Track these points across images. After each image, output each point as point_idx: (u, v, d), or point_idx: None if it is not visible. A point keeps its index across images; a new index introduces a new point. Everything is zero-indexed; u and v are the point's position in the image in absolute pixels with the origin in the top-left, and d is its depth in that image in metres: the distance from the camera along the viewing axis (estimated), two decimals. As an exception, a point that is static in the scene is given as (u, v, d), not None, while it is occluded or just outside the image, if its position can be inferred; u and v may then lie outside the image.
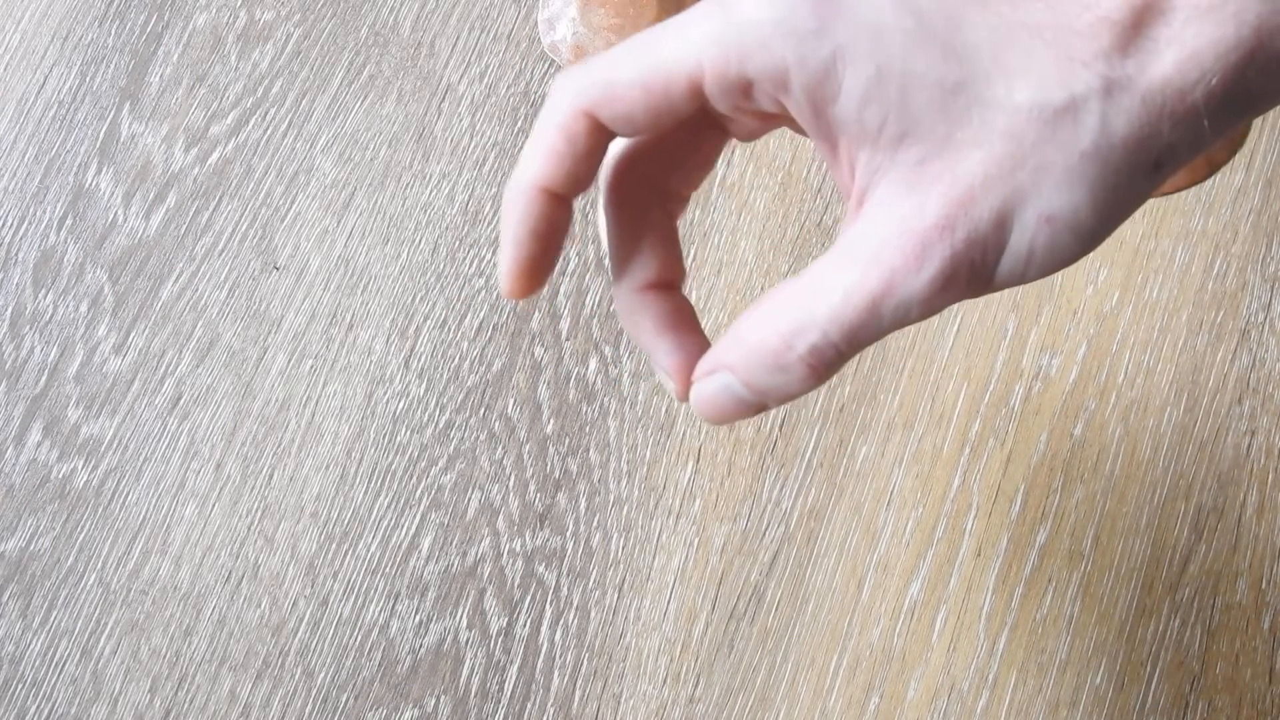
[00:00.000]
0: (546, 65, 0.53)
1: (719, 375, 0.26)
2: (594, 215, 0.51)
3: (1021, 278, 0.25)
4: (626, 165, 0.28)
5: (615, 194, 0.28)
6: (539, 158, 0.26)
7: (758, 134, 0.27)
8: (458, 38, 0.54)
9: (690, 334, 0.28)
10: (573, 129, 0.25)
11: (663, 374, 0.29)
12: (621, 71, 0.25)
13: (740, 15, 0.24)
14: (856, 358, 0.49)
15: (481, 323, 0.50)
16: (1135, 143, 0.24)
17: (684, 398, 0.28)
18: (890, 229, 0.24)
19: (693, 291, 0.50)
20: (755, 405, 0.26)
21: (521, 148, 0.52)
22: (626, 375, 0.49)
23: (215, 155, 0.53)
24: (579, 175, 0.26)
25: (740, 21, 0.24)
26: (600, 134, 0.26)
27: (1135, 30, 0.24)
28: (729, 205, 0.51)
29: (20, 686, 0.48)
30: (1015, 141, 0.24)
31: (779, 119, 0.26)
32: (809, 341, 0.24)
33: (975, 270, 0.24)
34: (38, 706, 0.47)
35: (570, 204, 0.27)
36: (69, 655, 0.48)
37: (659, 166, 0.28)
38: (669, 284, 0.29)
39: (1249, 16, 0.23)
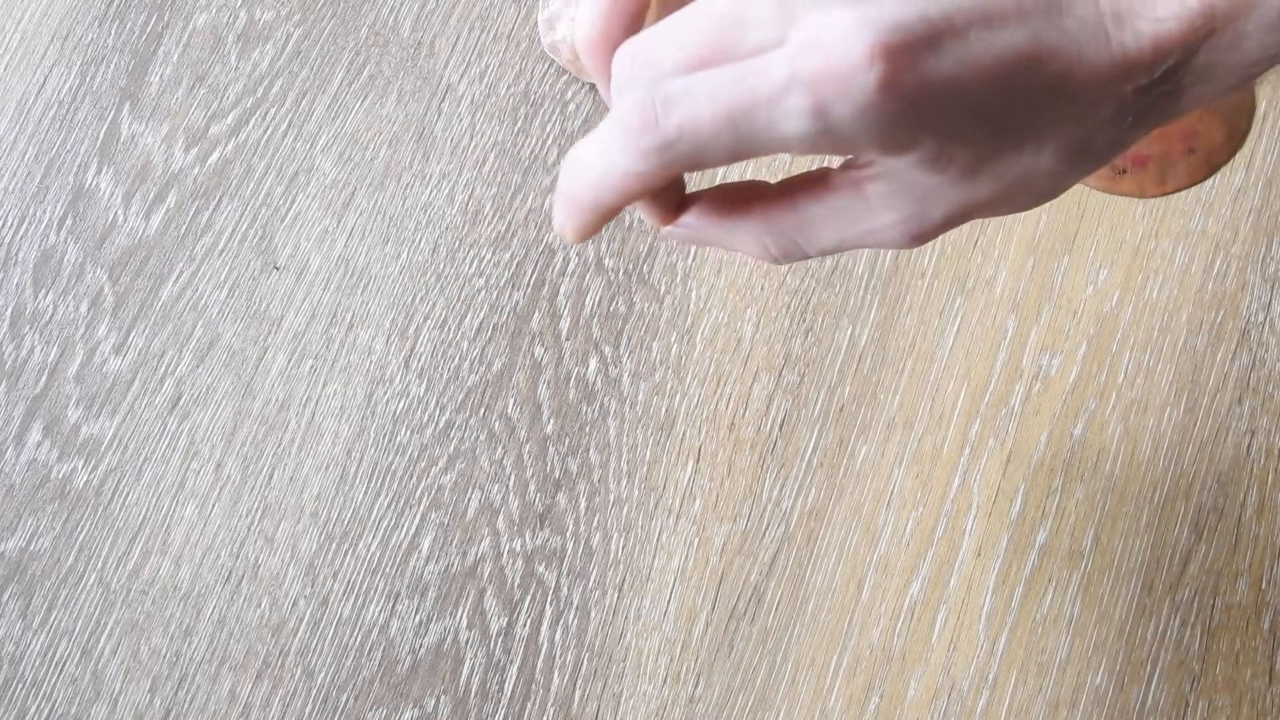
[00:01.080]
0: (546, 65, 0.53)
1: (689, 234, 0.30)
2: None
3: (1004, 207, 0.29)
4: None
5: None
6: (620, 196, 0.27)
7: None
8: (458, 38, 0.54)
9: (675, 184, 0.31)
10: (659, 185, 0.27)
11: (642, 213, 0.31)
12: (711, 152, 0.26)
13: (839, 127, 0.24)
14: (855, 357, 0.49)
15: (481, 323, 0.50)
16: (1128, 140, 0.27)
17: (659, 225, 0.31)
18: (892, 218, 0.27)
19: (692, 291, 0.50)
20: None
21: (521, 148, 0.52)
22: (626, 375, 0.49)
23: (215, 155, 0.53)
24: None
25: (837, 132, 0.25)
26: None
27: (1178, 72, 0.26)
28: (729, 205, 0.51)
29: (20, 686, 0.48)
30: (1028, 178, 0.27)
31: None
32: (789, 261, 0.29)
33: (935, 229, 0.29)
34: (38, 706, 0.47)
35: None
36: (69, 655, 0.48)
37: None
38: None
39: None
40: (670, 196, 0.30)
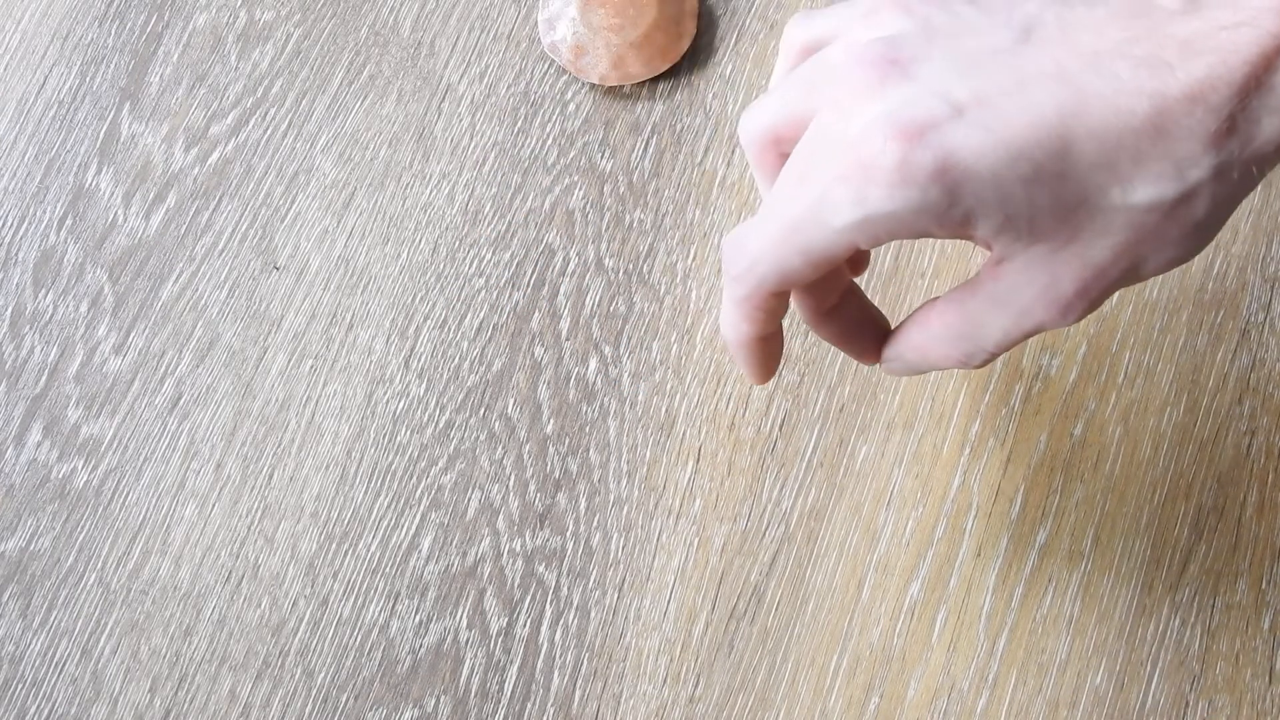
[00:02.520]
0: (546, 65, 0.53)
1: (900, 364, 0.35)
2: (595, 216, 0.51)
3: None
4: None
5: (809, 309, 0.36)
6: (745, 323, 0.33)
7: None
8: (458, 38, 0.54)
9: (872, 326, 0.37)
10: (767, 305, 0.32)
11: (852, 356, 0.37)
12: (790, 262, 0.30)
13: (879, 207, 0.27)
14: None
15: (481, 323, 0.50)
16: (1241, 197, 0.27)
17: (873, 363, 0.36)
18: (1032, 297, 0.29)
19: (692, 291, 0.50)
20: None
21: (521, 148, 0.52)
22: (626, 375, 0.49)
23: (215, 155, 0.53)
24: (780, 316, 0.33)
25: (881, 214, 0.27)
26: (786, 293, 0.32)
27: (1242, 107, 0.26)
28: (729, 205, 0.51)
29: (20, 686, 0.48)
30: (1137, 230, 0.27)
31: None
32: (980, 359, 0.31)
33: (1106, 299, 0.30)
34: (38, 706, 0.47)
35: (780, 327, 0.34)
36: (69, 655, 0.48)
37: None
38: (843, 286, 0.36)
39: None
40: (865, 337, 0.36)
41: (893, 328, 0.36)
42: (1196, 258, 0.49)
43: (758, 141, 0.33)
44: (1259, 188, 0.49)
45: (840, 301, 0.35)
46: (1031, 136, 0.26)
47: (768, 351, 0.34)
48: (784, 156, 0.33)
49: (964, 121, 0.26)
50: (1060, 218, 0.27)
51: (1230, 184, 0.26)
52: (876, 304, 0.49)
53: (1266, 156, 0.26)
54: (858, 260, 0.38)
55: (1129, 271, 0.28)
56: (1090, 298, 0.29)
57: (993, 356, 0.31)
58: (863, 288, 0.50)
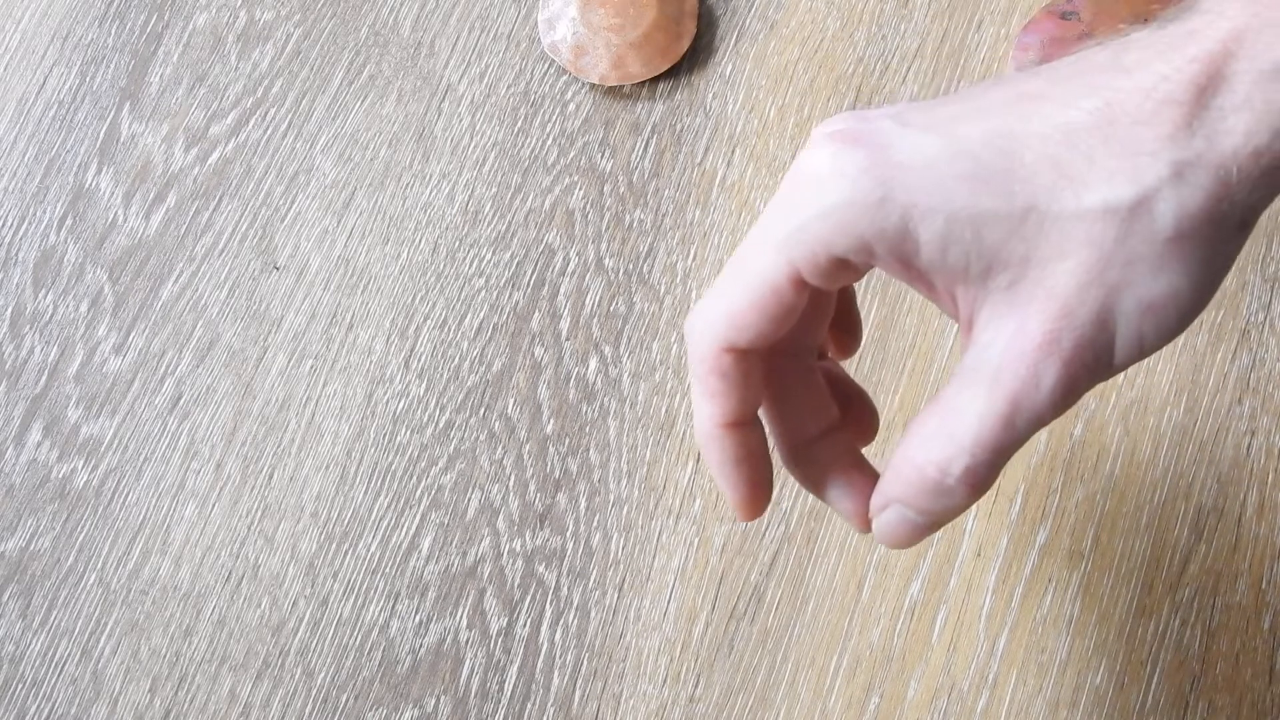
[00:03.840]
0: (546, 65, 0.53)
1: (893, 509, 0.27)
2: (595, 216, 0.51)
3: (1141, 355, 0.25)
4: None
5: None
6: (706, 402, 0.28)
7: (858, 278, 0.29)
8: (458, 38, 0.54)
9: (859, 472, 0.31)
10: (720, 366, 0.27)
11: (842, 515, 0.31)
12: (734, 300, 0.27)
13: (810, 210, 0.25)
14: (857, 357, 0.49)
15: (481, 323, 0.50)
16: (1216, 214, 0.24)
17: (865, 530, 0.30)
18: (1001, 354, 0.25)
19: (692, 291, 0.50)
20: (931, 526, 0.28)
21: (521, 148, 0.52)
22: (626, 375, 0.49)
23: (215, 155, 0.53)
24: (747, 399, 0.28)
25: (812, 216, 0.25)
26: (747, 358, 0.28)
27: (1200, 104, 0.24)
28: (729, 205, 0.51)
29: (20, 686, 0.48)
30: (1097, 245, 0.24)
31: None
32: (961, 466, 0.25)
33: (1091, 369, 0.25)
34: (38, 706, 0.47)
35: (756, 423, 0.29)
36: (69, 655, 0.48)
37: (782, 342, 0.29)
38: (829, 430, 0.31)
39: None
40: (853, 484, 0.30)
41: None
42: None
43: None
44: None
45: (822, 435, 0.31)
46: (974, 133, 0.25)
47: (745, 451, 0.29)
48: None
49: (904, 122, 0.25)
50: (1011, 228, 0.24)
51: (1199, 191, 0.24)
52: (876, 304, 0.49)
53: (1241, 160, 0.24)
54: (814, 316, 0.31)
55: (1102, 314, 0.24)
56: (1062, 349, 0.24)
57: (976, 464, 0.25)
58: (861, 287, 0.50)
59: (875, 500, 0.28)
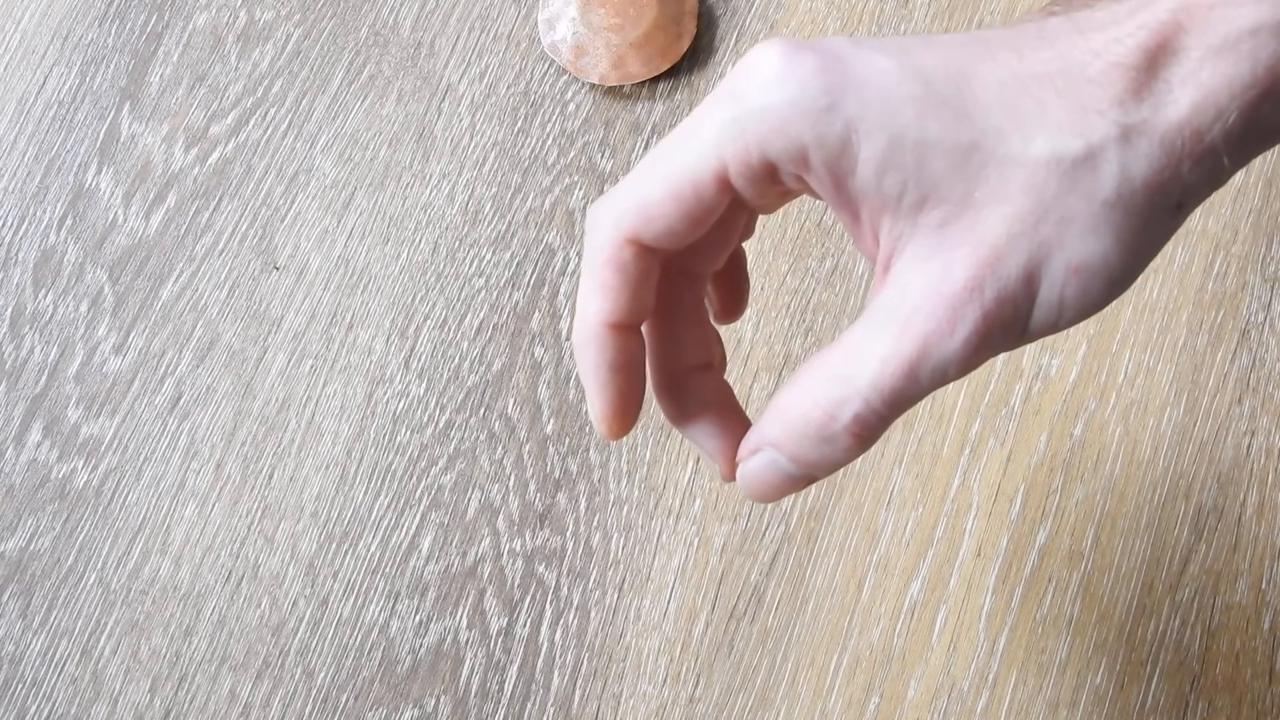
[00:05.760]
0: (546, 65, 0.53)
1: (764, 453, 0.26)
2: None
3: (1054, 327, 0.25)
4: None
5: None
6: (596, 296, 0.26)
7: (777, 206, 0.27)
8: (458, 38, 0.54)
9: (732, 415, 0.28)
10: (620, 259, 0.25)
11: (706, 456, 0.29)
12: (650, 189, 0.25)
13: (752, 103, 0.24)
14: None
15: (481, 323, 0.50)
16: (1156, 186, 0.24)
17: (730, 477, 0.28)
18: (919, 294, 0.24)
19: (693, 291, 0.50)
20: (802, 479, 0.26)
21: (521, 148, 0.52)
22: (626, 375, 0.49)
23: (215, 155, 0.53)
24: (639, 303, 0.26)
25: (753, 109, 0.24)
26: (648, 256, 0.26)
27: (1149, 73, 0.23)
28: (729, 205, 0.51)
29: (20, 686, 0.48)
30: (1036, 195, 0.23)
31: (800, 191, 0.26)
32: (852, 411, 0.24)
33: (1008, 326, 0.24)
34: (38, 706, 0.47)
35: (639, 333, 0.27)
36: (69, 655, 0.48)
37: (680, 256, 0.28)
38: (708, 365, 0.29)
39: (1264, 54, 0.23)
40: (726, 426, 0.28)
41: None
42: (1196, 258, 0.49)
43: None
44: (1259, 187, 0.49)
45: (702, 374, 0.29)
46: (930, 62, 0.24)
47: (622, 361, 0.26)
48: None
49: (859, 42, 0.25)
50: (953, 163, 0.23)
51: (1142, 159, 0.23)
52: (818, 299, 0.49)
53: (1185, 136, 0.23)
54: (726, 230, 0.29)
55: (1029, 270, 0.23)
56: (982, 300, 0.23)
57: (866, 413, 0.24)
58: (861, 287, 0.50)
59: (747, 443, 0.26)
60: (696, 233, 0.26)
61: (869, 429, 0.24)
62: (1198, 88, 0.23)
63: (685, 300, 0.29)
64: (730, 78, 0.25)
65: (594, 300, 0.26)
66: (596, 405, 0.27)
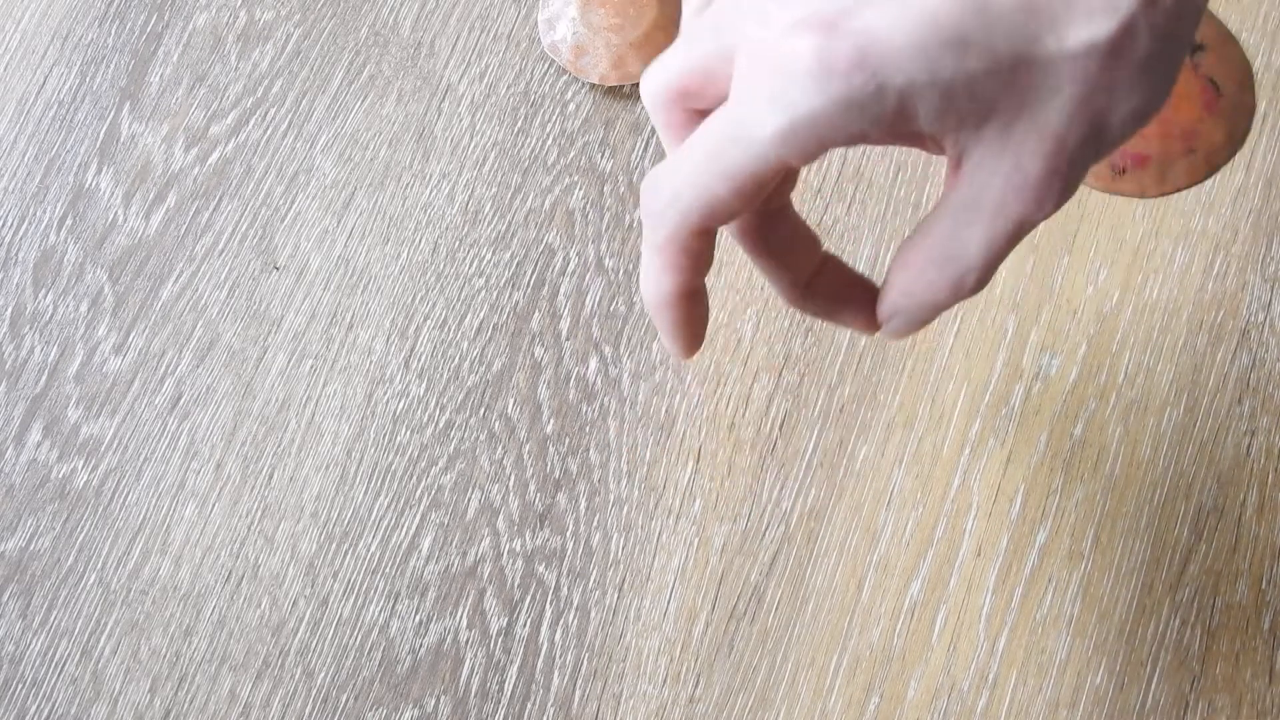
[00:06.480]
0: (546, 65, 0.53)
1: (900, 316, 0.31)
2: (595, 216, 0.51)
3: (1118, 146, 0.28)
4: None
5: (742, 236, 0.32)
6: (668, 274, 0.29)
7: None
8: (458, 38, 0.54)
9: (860, 288, 0.33)
10: (691, 246, 0.29)
11: (853, 328, 0.34)
12: (713, 188, 0.27)
13: (801, 109, 0.25)
14: (855, 357, 0.49)
15: (481, 323, 0.50)
16: (1181, 31, 0.26)
17: (874, 332, 0.33)
18: (1001, 189, 0.27)
19: (693, 291, 0.50)
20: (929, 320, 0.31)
21: (521, 148, 0.52)
22: (626, 375, 0.49)
23: (215, 155, 0.53)
24: (705, 267, 0.30)
25: (804, 116, 0.25)
26: (712, 233, 0.29)
27: None
28: (729, 205, 0.51)
29: (20, 686, 0.48)
30: (1082, 79, 0.25)
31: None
32: (971, 282, 0.28)
33: (1082, 175, 0.27)
34: (38, 706, 0.47)
35: (703, 281, 0.31)
36: (69, 655, 0.48)
37: (767, 200, 0.31)
38: (818, 260, 0.33)
39: None
40: (855, 302, 0.33)
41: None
42: (1196, 258, 0.49)
43: (663, 99, 0.30)
44: (1259, 187, 0.49)
45: (820, 270, 0.33)
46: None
47: (694, 314, 0.31)
48: (691, 113, 0.31)
49: (873, 3, 0.25)
50: (1001, 82, 0.25)
51: (1165, 13, 0.25)
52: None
53: None
54: (786, 180, 0.34)
55: (1092, 134, 0.26)
56: (1061, 173, 0.26)
57: (985, 274, 0.28)
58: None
59: (882, 315, 0.31)
60: (753, 207, 0.29)
61: (987, 282, 0.29)
62: None
63: (781, 227, 0.32)
64: (768, 71, 0.26)
65: (667, 279, 0.29)
66: (677, 348, 0.32)
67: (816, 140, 0.26)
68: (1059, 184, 0.26)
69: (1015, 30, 0.25)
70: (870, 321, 0.33)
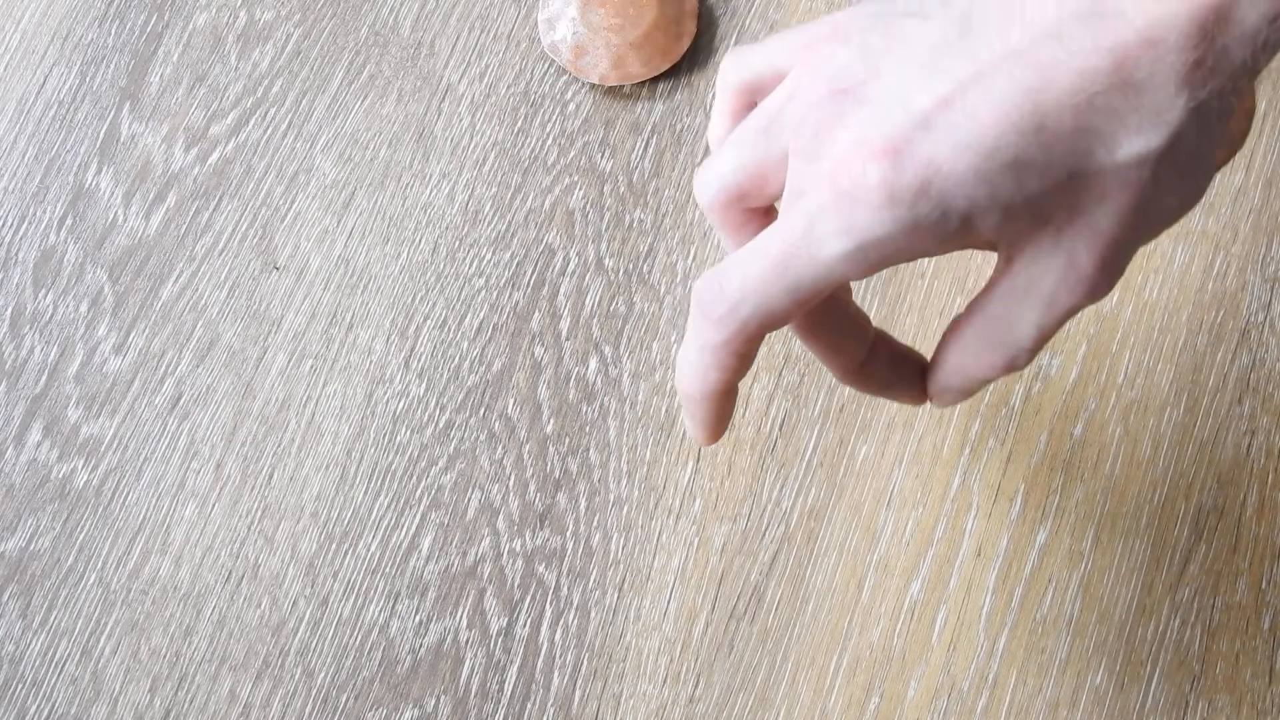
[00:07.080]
0: (546, 65, 0.53)
1: (951, 393, 0.33)
2: (595, 216, 0.51)
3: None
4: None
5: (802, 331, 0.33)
6: (717, 372, 0.31)
7: None
8: (458, 38, 0.54)
9: (909, 364, 0.35)
10: (744, 350, 0.30)
11: (905, 402, 0.35)
12: (776, 301, 0.29)
13: (868, 235, 0.27)
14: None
15: (481, 323, 0.50)
16: (1221, 129, 0.27)
17: (923, 403, 0.35)
18: (1056, 281, 0.28)
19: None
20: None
21: (521, 148, 0.52)
22: (626, 375, 0.49)
23: (215, 155, 0.53)
24: (747, 370, 0.31)
25: (871, 241, 0.27)
26: (762, 338, 0.30)
27: (1206, 43, 0.25)
28: (729, 205, 0.51)
29: (20, 686, 0.48)
30: (1134, 187, 0.26)
31: None
32: (1022, 361, 0.30)
33: (1130, 260, 0.29)
34: (38, 706, 0.47)
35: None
36: (69, 655, 0.48)
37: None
38: (869, 338, 0.34)
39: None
40: (906, 377, 0.34)
41: (928, 360, 0.35)
42: (1196, 258, 0.49)
43: (720, 202, 0.32)
44: (1259, 187, 0.49)
45: (873, 350, 0.34)
46: (1004, 123, 0.26)
47: (728, 408, 0.32)
48: (747, 212, 0.32)
49: (933, 129, 0.26)
50: (1056, 196, 0.26)
51: (1210, 115, 0.26)
52: (876, 304, 0.49)
53: (1239, 78, 0.26)
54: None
55: (1141, 230, 0.27)
56: (1111, 268, 0.28)
57: (1034, 353, 0.30)
58: (861, 287, 0.50)
59: (934, 387, 0.33)
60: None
61: (1030, 362, 0.31)
62: (1254, 39, 0.25)
63: (836, 316, 0.33)
64: (833, 193, 0.27)
65: (714, 374, 0.31)
66: (702, 436, 0.33)
67: (881, 259, 0.27)
68: (1109, 276, 0.28)
69: (1070, 149, 0.26)
70: (921, 395, 0.35)
